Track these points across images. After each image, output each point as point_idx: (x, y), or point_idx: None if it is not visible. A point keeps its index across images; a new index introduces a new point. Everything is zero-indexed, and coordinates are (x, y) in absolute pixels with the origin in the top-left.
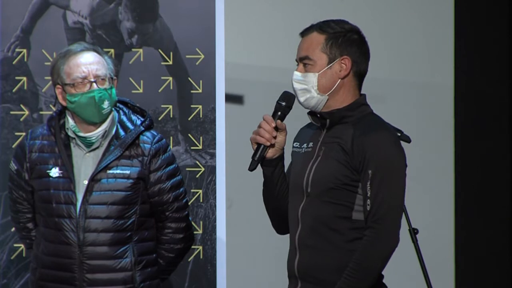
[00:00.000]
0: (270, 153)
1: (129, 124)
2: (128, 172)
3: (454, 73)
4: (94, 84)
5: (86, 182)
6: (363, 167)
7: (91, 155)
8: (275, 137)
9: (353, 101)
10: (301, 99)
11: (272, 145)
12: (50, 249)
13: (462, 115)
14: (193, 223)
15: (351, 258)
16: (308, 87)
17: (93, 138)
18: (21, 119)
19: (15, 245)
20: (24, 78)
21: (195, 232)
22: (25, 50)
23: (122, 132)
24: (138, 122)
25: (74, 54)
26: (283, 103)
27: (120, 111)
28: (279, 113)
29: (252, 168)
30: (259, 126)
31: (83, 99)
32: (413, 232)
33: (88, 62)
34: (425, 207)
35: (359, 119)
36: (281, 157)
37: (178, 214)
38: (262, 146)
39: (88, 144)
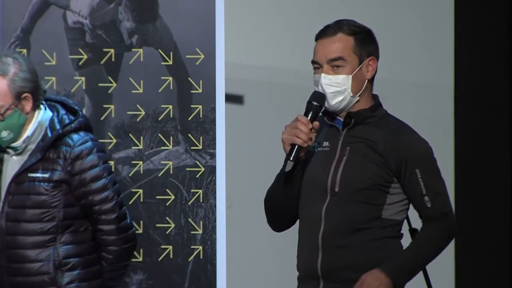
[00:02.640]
0: (301, 154)
1: (57, 126)
2: (47, 175)
3: (454, 73)
4: None
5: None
6: (407, 167)
7: (18, 158)
8: (311, 139)
9: (374, 101)
10: (332, 102)
11: (308, 146)
12: None
13: (462, 115)
14: (193, 223)
15: (380, 257)
16: (341, 89)
17: (17, 146)
18: None
19: None
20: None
21: (195, 232)
22: (25, 50)
23: (50, 135)
24: (66, 123)
25: None
26: (315, 103)
27: (55, 112)
28: (312, 113)
29: (289, 169)
30: (296, 127)
31: None
32: (413, 232)
33: None
34: None
35: (379, 119)
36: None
37: (106, 216)
38: (297, 147)
39: (13, 148)
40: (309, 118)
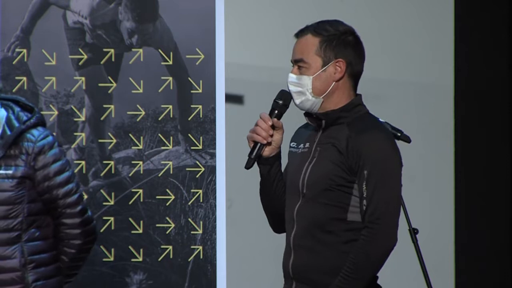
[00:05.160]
0: (266, 152)
1: (16, 123)
2: (11, 172)
3: (454, 73)
4: None
5: None
6: (358, 167)
7: None
8: (271, 136)
9: (349, 101)
10: (297, 101)
11: (269, 144)
12: None
13: (462, 115)
14: (193, 223)
15: (347, 259)
16: (303, 90)
17: None
18: None
19: None
20: (24, 78)
21: (195, 232)
22: (25, 50)
23: (9, 132)
24: (25, 119)
25: None
26: (280, 102)
27: (9, 110)
28: (276, 111)
29: (248, 166)
30: (256, 124)
31: None
32: (413, 232)
33: None
34: (425, 207)
35: (354, 119)
36: (278, 156)
37: (71, 210)
38: (258, 144)
39: None
40: (273, 116)
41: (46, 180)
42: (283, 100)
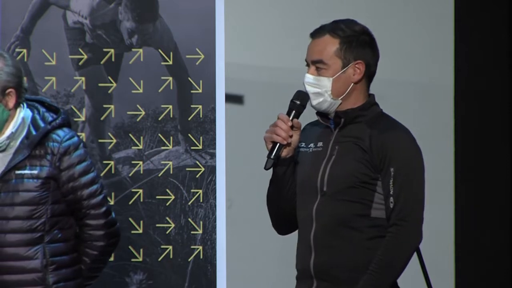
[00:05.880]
0: (284, 152)
1: (41, 123)
2: (36, 172)
3: (454, 73)
4: None
5: None
6: (384, 165)
7: (1, 156)
8: (291, 136)
9: (365, 101)
10: (314, 102)
11: (288, 144)
12: None
13: (462, 115)
14: (193, 223)
15: (371, 256)
16: (322, 91)
17: (0, 142)
18: None
19: None
20: (24, 78)
21: (195, 232)
22: (25, 50)
23: (34, 132)
24: (51, 120)
25: None
26: (298, 102)
27: (35, 110)
28: (294, 111)
29: (268, 167)
30: (275, 125)
31: None
32: None
33: None
34: (425, 207)
35: (372, 118)
36: (293, 157)
37: (95, 211)
38: (278, 145)
39: None
40: (291, 116)
41: (71, 181)
42: (300, 101)
